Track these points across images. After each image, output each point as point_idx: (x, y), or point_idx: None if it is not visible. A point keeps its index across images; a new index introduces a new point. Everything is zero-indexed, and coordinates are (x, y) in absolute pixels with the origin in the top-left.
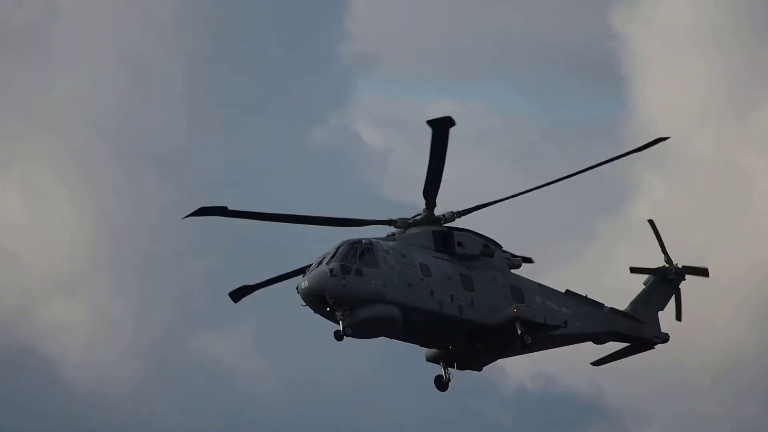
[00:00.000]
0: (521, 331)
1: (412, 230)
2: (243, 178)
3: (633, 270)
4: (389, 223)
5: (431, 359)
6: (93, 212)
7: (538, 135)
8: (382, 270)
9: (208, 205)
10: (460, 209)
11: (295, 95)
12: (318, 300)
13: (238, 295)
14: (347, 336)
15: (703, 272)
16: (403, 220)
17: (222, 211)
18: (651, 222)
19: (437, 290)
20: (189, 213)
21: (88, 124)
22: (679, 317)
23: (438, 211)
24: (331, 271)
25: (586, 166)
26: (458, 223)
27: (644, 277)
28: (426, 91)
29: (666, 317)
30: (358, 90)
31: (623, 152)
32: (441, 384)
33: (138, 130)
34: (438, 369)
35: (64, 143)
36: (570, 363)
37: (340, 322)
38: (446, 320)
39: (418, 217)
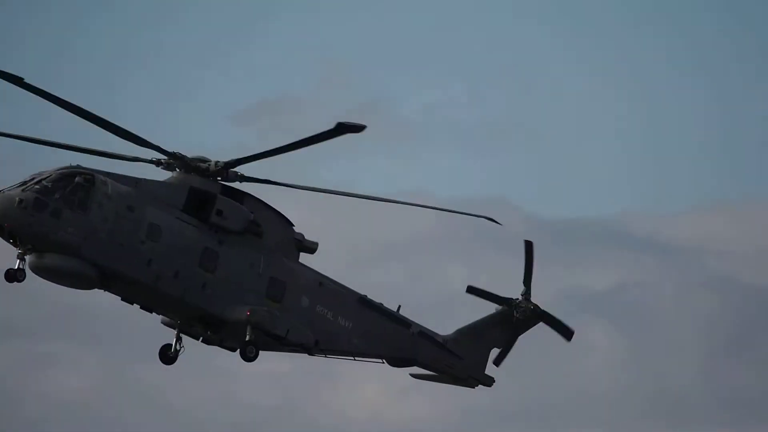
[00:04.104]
0: (249, 338)
1: (174, 177)
2: None
3: (471, 290)
4: (169, 155)
5: (167, 324)
6: None
7: None
8: (89, 218)
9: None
10: (251, 176)
11: None
12: None
13: None
14: (18, 282)
15: (565, 333)
16: (180, 157)
17: (17, 81)
18: (528, 243)
19: (159, 261)
20: None
21: None
22: (498, 362)
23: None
24: (21, 201)
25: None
26: (245, 188)
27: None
28: None
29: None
30: None
31: None
32: (166, 357)
33: None
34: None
35: None
36: None
37: (18, 261)
38: (161, 298)
39: (202, 165)
